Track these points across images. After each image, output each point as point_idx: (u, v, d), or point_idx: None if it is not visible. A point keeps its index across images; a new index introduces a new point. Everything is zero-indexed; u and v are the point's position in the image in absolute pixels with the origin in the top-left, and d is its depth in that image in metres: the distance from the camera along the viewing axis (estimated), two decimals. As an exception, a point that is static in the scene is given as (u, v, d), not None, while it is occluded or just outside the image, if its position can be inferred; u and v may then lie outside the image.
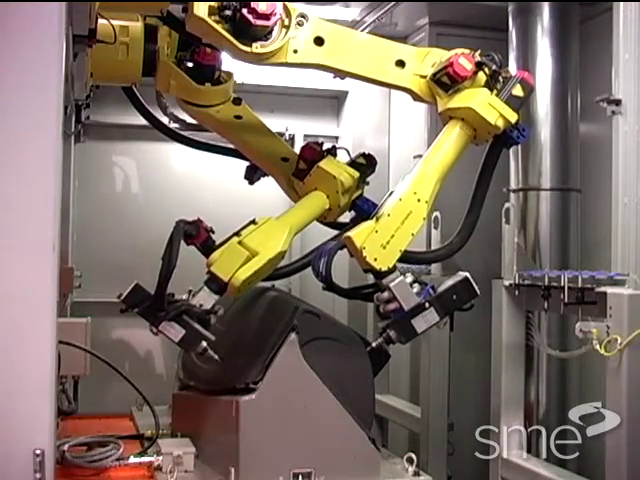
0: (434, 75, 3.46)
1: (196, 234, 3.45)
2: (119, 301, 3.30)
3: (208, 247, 3.44)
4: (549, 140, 4.70)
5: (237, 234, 3.37)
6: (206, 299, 3.30)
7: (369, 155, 3.92)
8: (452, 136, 3.44)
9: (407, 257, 3.42)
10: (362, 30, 5.40)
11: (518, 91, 3.44)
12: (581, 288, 3.64)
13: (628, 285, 3.55)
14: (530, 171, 4.75)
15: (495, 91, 3.43)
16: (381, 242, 3.22)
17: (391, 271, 3.28)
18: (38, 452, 2.17)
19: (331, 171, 3.72)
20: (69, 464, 3.45)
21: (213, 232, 3.51)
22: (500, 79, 3.46)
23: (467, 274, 3.36)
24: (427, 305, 3.30)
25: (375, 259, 3.22)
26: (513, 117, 3.42)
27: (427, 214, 3.32)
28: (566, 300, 3.71)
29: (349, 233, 3.28)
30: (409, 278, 3.33)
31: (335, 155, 3.87)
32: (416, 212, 3.28)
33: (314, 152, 3.85)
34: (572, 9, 4.79)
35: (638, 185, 3.65)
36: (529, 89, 3.50)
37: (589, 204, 4.84)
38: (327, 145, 3.95)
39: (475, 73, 3.42)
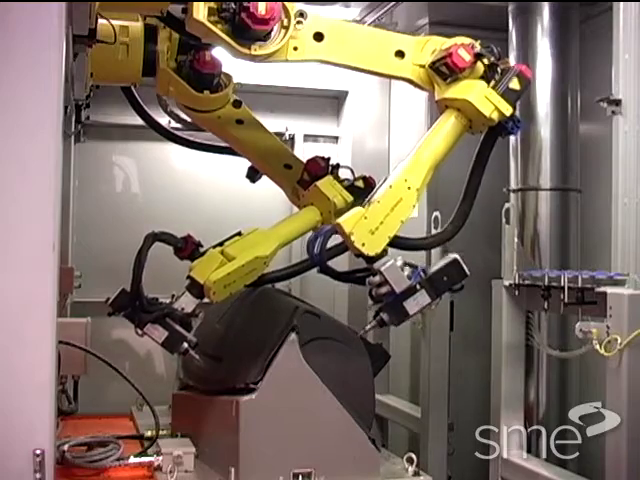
0: (433, 63, 3.47)
1: (182, 247, 3.65)
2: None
3: (194, 258, 3.61)
4: (549, 140, 4.70)
5: (221, 244, 3.55)
6: (187, 303, 3.49)
7: (369, 178, 3.99)
8: (447, 126, 3.46)
9: (400, 243, 3.45)
10: (362, 30, 5.40)
11: (515, 84, 3.44)
12: (581, 288, 3.64)
13: (628, 285, 3.55)
14: (530, 171, 4.74)
15: (493, 82, 3.44)
16: (370, 228, 3.26)
17: (380, 256, 3.31)
18: (38, 452, 2.17)
19: (326, 192, 3.80)
20: (69, 464, 3.45)
21: (201, 246, 3.67)
22: (498, 70, 3.47)
23: (457, 255, 3.42)
24: (418, 287, 3.36)
25: (363, 244, 3.26)
26: (508, 110, 3.43)
27: (417, 202, 3.35)
28: (566, 300, 3.70)
29: (339, 219, 3.32)
30: (400, 261, 3.37)
31: (337, 175, 3.95)
32: (406, 199, 3.31)
33: (318, 167, 3.97)
34: (572, 9, 4.78)
35: (638, 185, 3.65)
36: (526, 82, 3.51)
37: (589, 204, 4.83)
38: (333, 154, 4.02)
39: (474, 63, 3.43)
